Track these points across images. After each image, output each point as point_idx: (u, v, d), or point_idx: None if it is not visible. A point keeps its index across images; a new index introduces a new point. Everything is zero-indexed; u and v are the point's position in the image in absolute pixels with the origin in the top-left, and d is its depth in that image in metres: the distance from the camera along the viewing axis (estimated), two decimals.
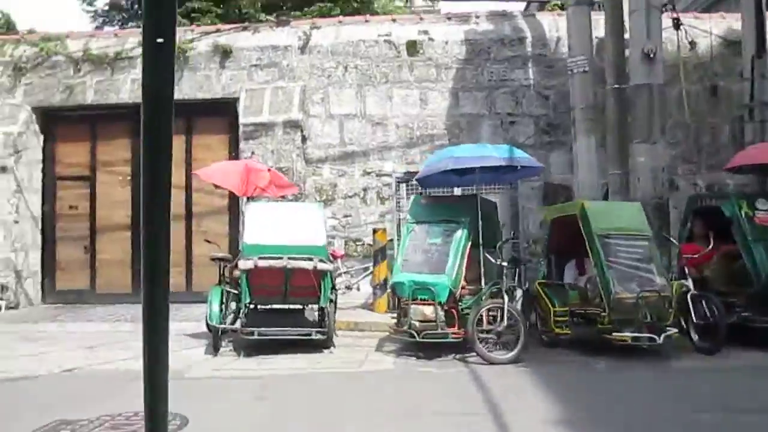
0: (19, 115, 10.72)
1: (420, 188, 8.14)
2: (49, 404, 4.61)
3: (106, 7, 16.91)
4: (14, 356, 6.60)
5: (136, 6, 16.65)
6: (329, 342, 6.59)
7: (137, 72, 10.66)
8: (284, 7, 13.35)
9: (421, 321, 6.03)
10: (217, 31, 11.02)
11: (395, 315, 6.84)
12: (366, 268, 9.27)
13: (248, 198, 7.14)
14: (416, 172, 9.62)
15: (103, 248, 10.77)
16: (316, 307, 6.93)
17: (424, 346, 6.24)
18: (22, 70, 10.89)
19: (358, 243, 9.92)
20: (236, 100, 10.47)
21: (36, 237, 10.77)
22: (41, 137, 11.02)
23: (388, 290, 8.42)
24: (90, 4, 16.80)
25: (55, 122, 11.11)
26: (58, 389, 5.22)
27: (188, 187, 10.51)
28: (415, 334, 6.04)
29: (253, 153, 9.93)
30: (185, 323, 8.05)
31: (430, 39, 10.58)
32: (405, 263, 6.42)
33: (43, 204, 10.93)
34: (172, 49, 0.79)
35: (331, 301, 6.61)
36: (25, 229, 10.52)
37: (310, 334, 6.45)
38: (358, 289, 9.22)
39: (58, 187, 11.07)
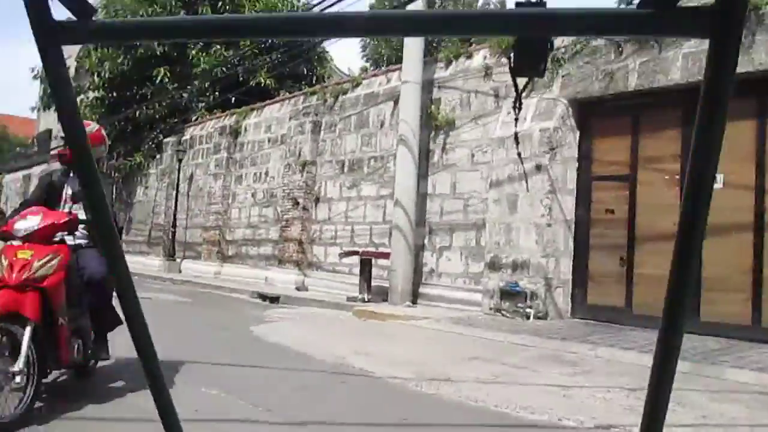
0: (556, 109, 9.81)
1: None
2: None
3: None
4: (537, 384, 5.28)
5: None
6: None
7: (692, 45, 8.53)
8: None
9: None
10: None
11: None
12: None
13: None
14: None
15: (642, 261, 8.92)
16: None
17: None
18: (560, 61, 9.96)
19: None
20: None
21: (568, 243, 9.67)
22: (577, 133, 9.91)
23: None
24: None
25: (591, 115, 9.85)
26: None
27: (759, 188, 7.86)
28: None
29: None
30: (755, 373, 5.61)
31: None
32: None
33: (576, 207, 9.78)
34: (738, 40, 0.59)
35: None
36: (557, 234, 9.52)
37: None
38: None
39: (594, 188, 9.75)
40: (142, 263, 19.43)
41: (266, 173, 16.04)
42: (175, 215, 18.77)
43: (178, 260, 18.60)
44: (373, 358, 6.21)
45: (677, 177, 8.75)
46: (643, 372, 5.74)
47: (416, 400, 4.67)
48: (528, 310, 9.28)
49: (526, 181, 9.54)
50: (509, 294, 9.54)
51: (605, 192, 9.63)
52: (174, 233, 18.72)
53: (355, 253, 11.92)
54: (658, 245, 8.74)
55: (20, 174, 30.85)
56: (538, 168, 9.57)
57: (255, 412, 4.05)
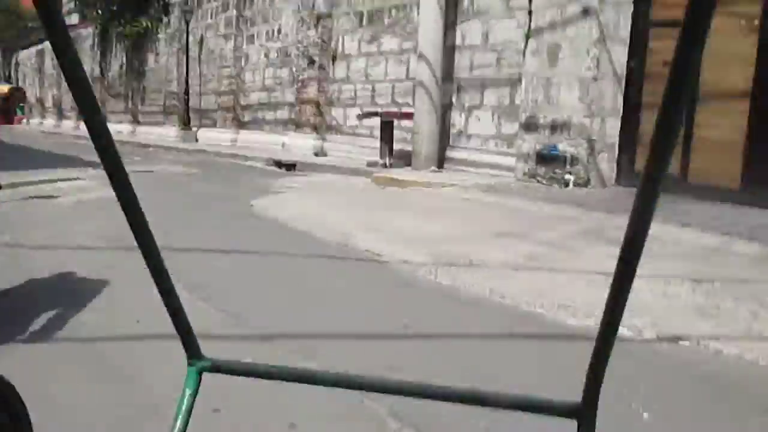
0: None
1: None
2: None
3: None
4: (578, 270, 4.32)
5: None
6: None
7: None
8: None
9: None
10: None
11: None
12: None
13: None
14: None
15: (706, 122, 7.61)
16: None
17: None
18: None
19: None
20: None
21: (617, 101, 8.37)
22: None
23: None
24: None
25: None
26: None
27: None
28: None
29: None
30: None
31: None
32: None
33: (629, 59, 8.37)
34: None
35: None
36: (604, 90, 8.21)
37: None
38: None
39: (652, 36, 8.25)
40: (158, 134, 18.61)
41: (279, 30, 14.61)
42: (187, 82, 17.64)
43: (194, 129, 17.68)
44: (384, 236, 5.30)
45: (756, 22, 7.24)
46: (707, 255, 4.74)
47: (427, 295, 3.75)
48: (567, 176, 8.22)
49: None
50: (546, 158, 8.45)
51: (665, 41, 8.14)
52: (188, 101, 17.68)
53: (375, 114, 10.79)
54: (726, 104, 7.42)
55: (33, 50, 29.55)
56: (585, 12, 8.10)
57: (216, 320, 3.18)
